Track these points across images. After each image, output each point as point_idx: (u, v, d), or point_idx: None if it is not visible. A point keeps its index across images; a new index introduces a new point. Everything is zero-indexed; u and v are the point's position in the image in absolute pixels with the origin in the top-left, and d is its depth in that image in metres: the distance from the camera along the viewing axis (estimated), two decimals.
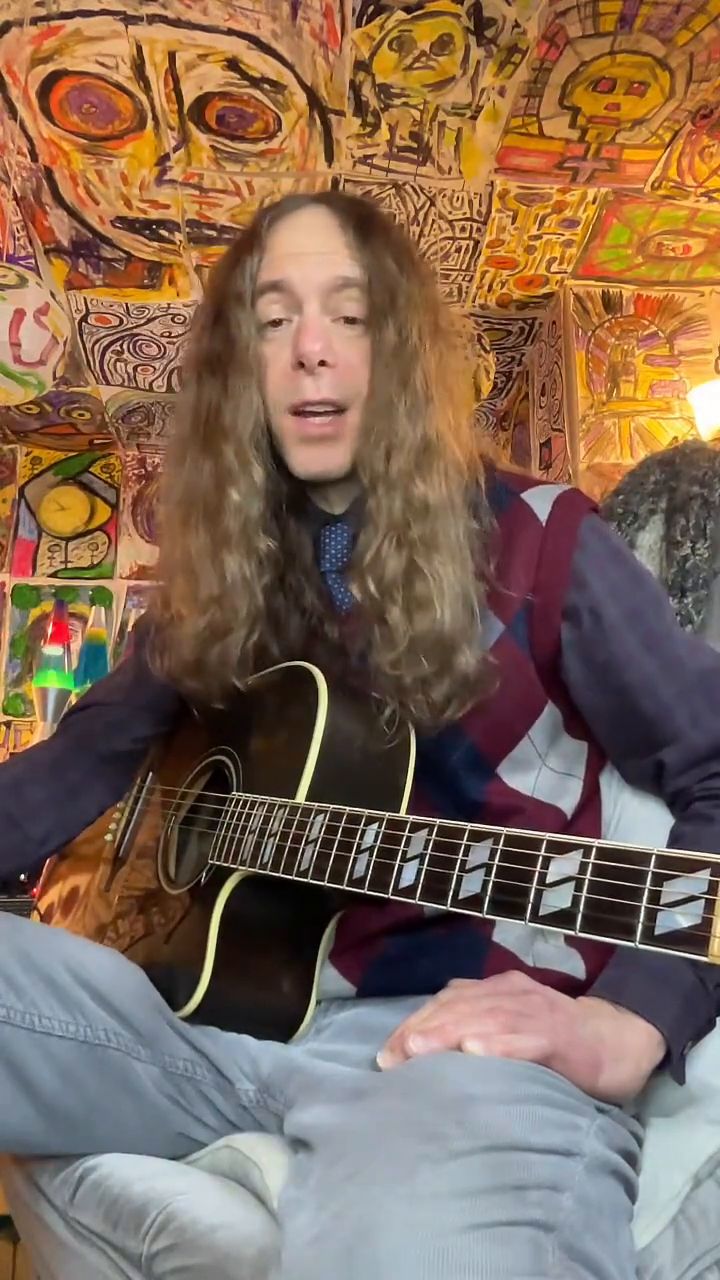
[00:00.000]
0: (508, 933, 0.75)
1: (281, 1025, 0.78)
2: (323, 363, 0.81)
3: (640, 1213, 0.62)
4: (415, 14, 1.90)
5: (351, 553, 0.83)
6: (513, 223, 2.58)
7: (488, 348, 3.12)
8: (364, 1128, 0.55)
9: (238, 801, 0.78)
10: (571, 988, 0.75)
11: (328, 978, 0.79)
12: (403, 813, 0.71)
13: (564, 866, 0.51)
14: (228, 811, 0.79)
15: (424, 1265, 0.44)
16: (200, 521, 0.85)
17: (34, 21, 1.91)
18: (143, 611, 1.04)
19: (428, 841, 0.59)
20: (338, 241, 0.84)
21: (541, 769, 0.83)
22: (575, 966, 0.76)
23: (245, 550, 0.84)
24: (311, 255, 0.84)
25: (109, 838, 1.05)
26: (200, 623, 0.84)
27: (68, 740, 1.02)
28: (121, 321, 3.03)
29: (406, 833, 0.60)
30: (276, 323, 0.84)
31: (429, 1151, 0.50)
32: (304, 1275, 0.47)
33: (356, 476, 0.84)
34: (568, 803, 0.84)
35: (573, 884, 0.50)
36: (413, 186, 2.43)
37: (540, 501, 0.85)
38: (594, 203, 2.50)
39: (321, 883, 0.65)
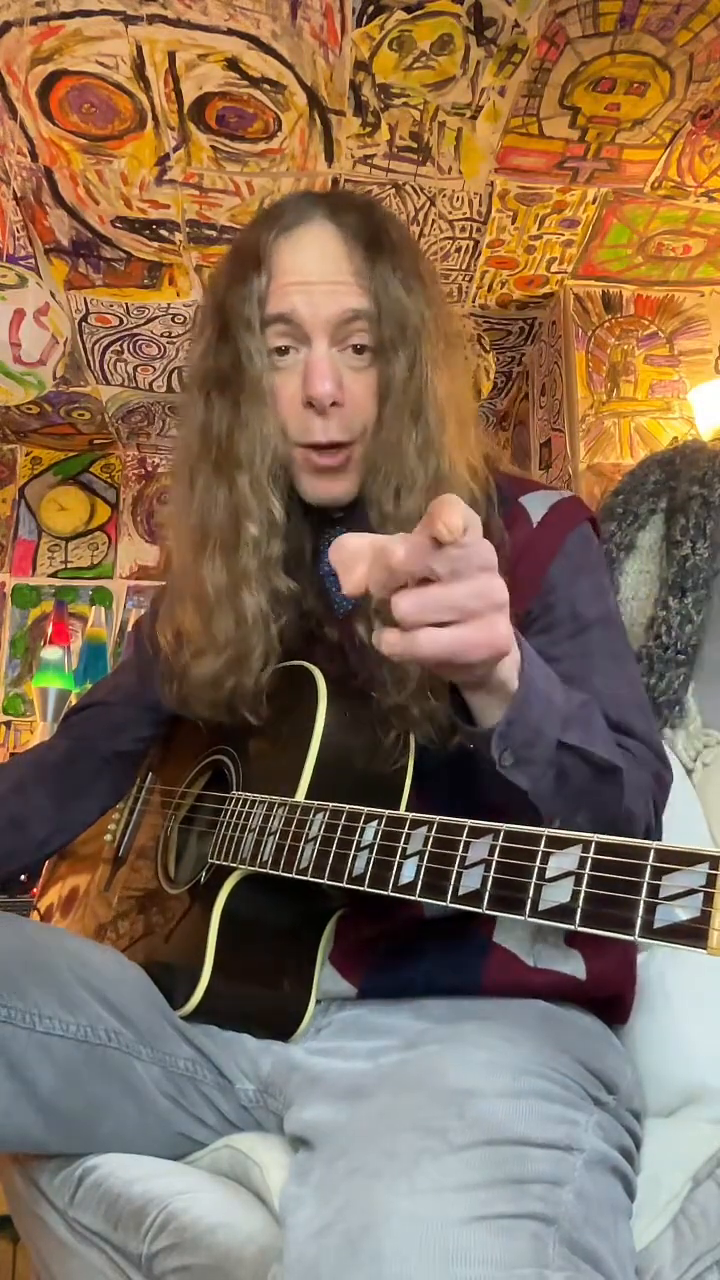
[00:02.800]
0: (508, 933, 0.75)
1: (281, 1024, 0.78)
2: (334, 403, 0.80)
3: (640, 1213, 0.62)
4: (415, 14, 1.90)
5: None
6: (513, 223, 2.58)
7: (488, 348, 3.12)
8: (364, 1123, 0.55)
9: (237, 800, 0.78)
10: (572, 988, 0.75)
11: (328, 978, 0.79)
12: (402, 811, 0.71)
13: (563, 861, 0.51)
14: (227, 810, 0.79)
15: (426, 1258, 0.44)
16: (216, 554, 0.82)
17: (34, 21, 1.91)
18: (143, 611, 1.03)
19: (427, 838, 0.59)
20: (345, 269, 0.80)
21: None
22: (576, 967, 0.76)
23: (265, 590, 0.82)
24: (319, 285, 0.80)
25: (109, 838, 1.04)
26: (217, 664, 0.82)
27: (69, 741, 1.02)
28: (121, 321, 3.03)
29: (406, 829, 0.60)
30: (284, 350, 0.82)
31: (430, 1146, 0.50)
32: (307, 1269, 0.47)
33: (361, 497, 0.83)
34: None
35: (572, 879, 0.50)
36: (413, 186, 2.43)
37: (536, 505, 0.85)
38: (594, 203, 2.50)
39: (321, 880, 0.65)
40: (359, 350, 0.81)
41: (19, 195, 2.43)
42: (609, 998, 0.78)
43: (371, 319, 0.80)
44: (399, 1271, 0.44)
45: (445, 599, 0.54)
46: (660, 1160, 0.69)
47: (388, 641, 0.55)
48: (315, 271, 0.80)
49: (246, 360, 0.82)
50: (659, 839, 0.76)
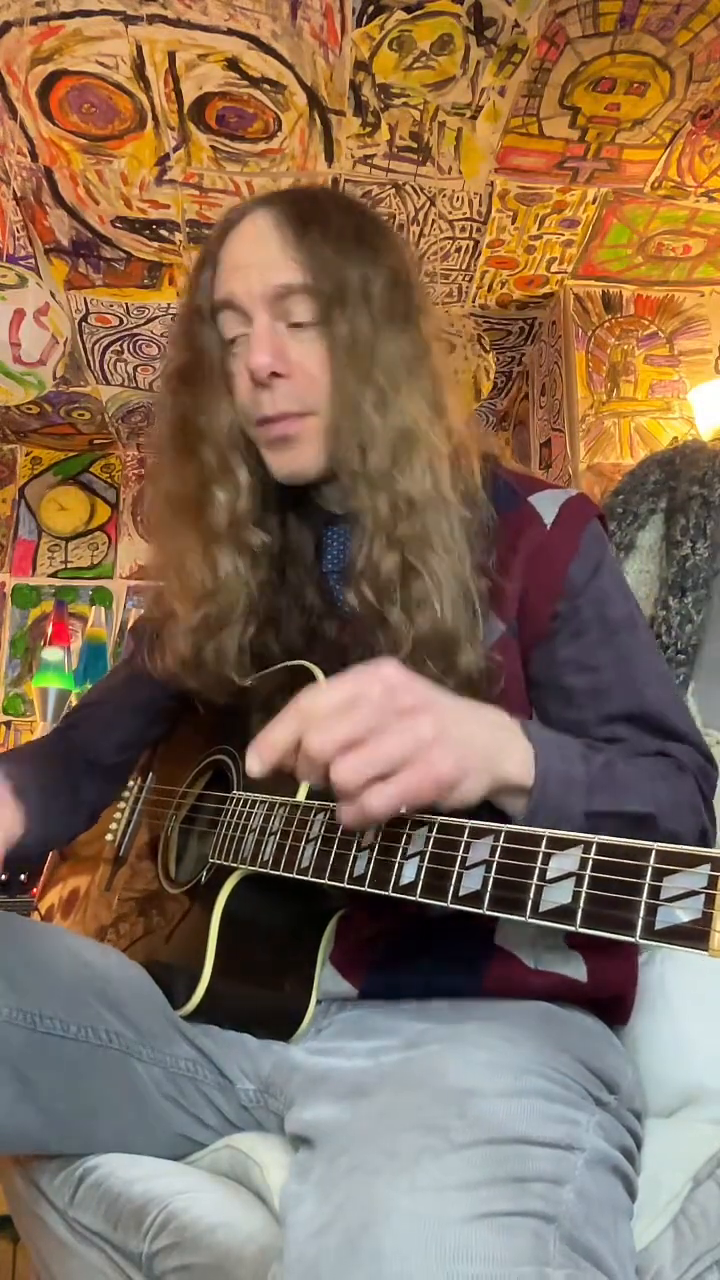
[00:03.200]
0: (509, 935, 0.75)
1: (282, 1024, 0.78)
2: (276, 374, 0.80)
3: (640, 1213, 0.62)
4: (415, 14, 1.90)
5: (350, 551, 0.83)
6: (513, 223, 2.58)
7: (488, 348, 3.12)
8: (365, 1122, 0.55)
9: (238, 800, 0.78)
10: (573, 990, 0.75)
11: (328, 978, 0.79)
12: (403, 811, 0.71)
13: (564, 862, 0.51)
14: (228, 810, 0.79)
15: (426, 1255, 0.44)
16: (188, 522, 0.85)
17: (34, 21, 1.91)
18: (142, 611, 1.03)
19: (428, 839, 0.59)
20: (275, 247, 0.81)
21: None
22: (577, 969, 0.75)
23: (236, 545, 0.84)
24: (252, 267, 0.82)
25: (109, 838, 1.04)
26: (194, 618, 0.84)
27: (60, 742, 1.01)
28: (121, 321, 3.03)
29: (407, 830, 0.60)
30: (235, 340, 0.84)
31: (431, 1144, 0.50)
32: (307, 1267, 0.47)
33: (344, 479, 0.84)
34: None
35: (573, 880, 0.50)
36: (413, 186, 2.43)
37: (547, 505, 0.84)
38: (594, 203, 2.50)
39: (322, 880, 0.65)
40: (301, 325, 0.82)
41: (19, 195, 2.43)
42: (610, 999, 0.78)
43: (308, 290, 0.81)
44: (399, 1269, 0.44)
45: (376, 755, 0.55)
46: (660, 1160, 0.69)
47: (346, 815, 0.57)
48: (248, 254, 0.83)
49: (203, 351, 0.85)
50: (714, 834, 0.77)
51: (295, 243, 0.81)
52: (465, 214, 2.54)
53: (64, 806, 0.94)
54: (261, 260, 0.82)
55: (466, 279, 2.84)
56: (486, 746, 0.61)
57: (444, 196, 2.47)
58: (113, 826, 1.05)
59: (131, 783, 1.06)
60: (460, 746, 0.58)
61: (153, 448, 0.92)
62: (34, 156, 2.29)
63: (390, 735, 0.56)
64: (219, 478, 0.84)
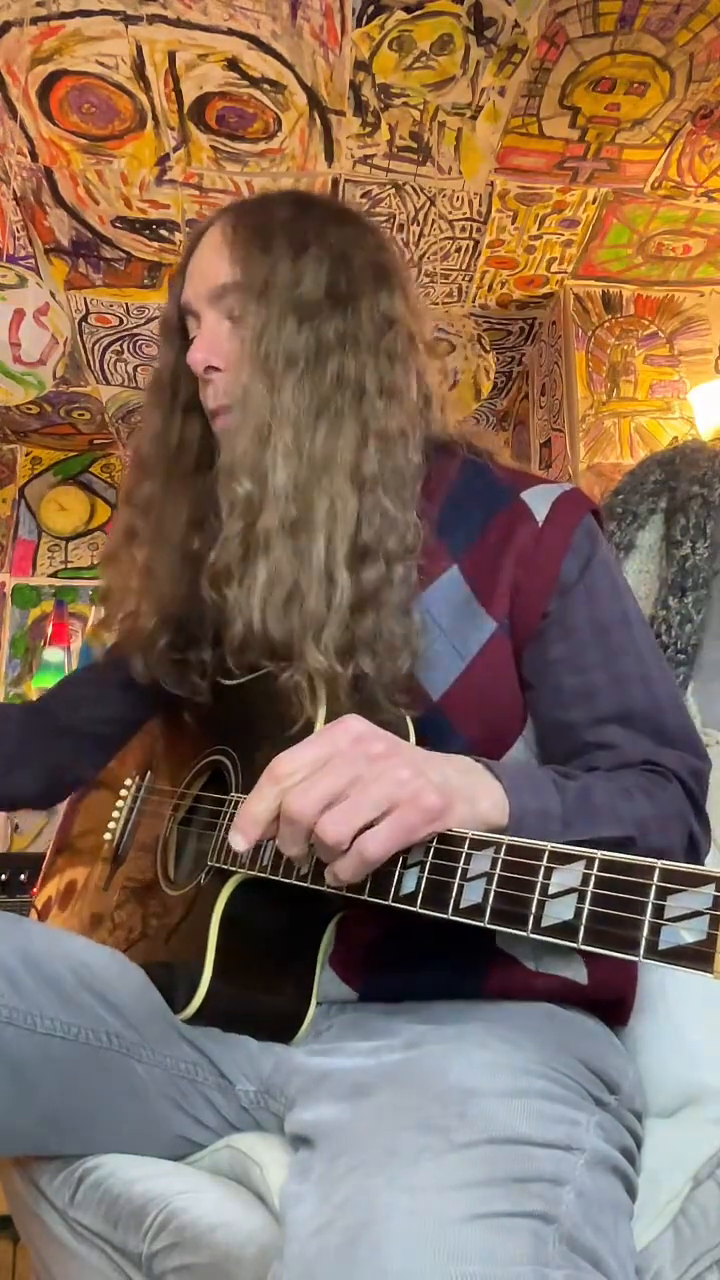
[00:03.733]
0: (509, 937, 0.75)
1: (282, 1026, 0.78)
2: (212, 368, 0.84)
3: (640, 1213, 0.62)
4: (415, 14, 1.90)
5: None
6: (513, 223, 2.58)
7: (488, 348, 3.12)
8: (365, 1122, 0.55)
9: (236, 802, 0.78)
10: (574, 992, 0.75)
11: (328, 981, 0.79)
12: None
13: (567, 877, 0.51)
14: (226, 813, 0.79)
15: (425, 1255, 0.44)
16: (148, 536, 0.89)
17: (34, 21, 1.91)
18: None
19: (428, 849, 0.59)
20: (220, 252, 0.85)
21: None
22: (578, 972, 0.75)
23: (180, 499, 0.89)
24: (200, 272, 0.87)
25: (108, 837, 1.04)
26: (156, 621, 0.87)
27: (24, 709, 1.03)
28: (121, 321, 3.03)
29: None
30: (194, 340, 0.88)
31: (430, 1143, 0.50)
32: (306, 1266, 0.47)
33: None
34: None
35: (575, 895, 0.50)
36: (413, 186, 2.43)
37: (539, 502, 0.84)
38: (594, 203, 2.50)
39: (321, 888, 0.65)
40: (235, 320, 0.85)
41: (19, 195, 2.43)
42: (610, 1000, 0.78)
43: (239, 286, 0.84)
44: (398, 1269, 0.44)
45: (360, 805, 0.56)
46: (660, 1160, 0.69)
47: (342, 869, 0.57)
48: (200, 260, 0.88)
49: (174, 359, 0.90)
50: (707, 839, 0.77)
51: (234, 243, 0.85)
52: (465, 214, 2.54)
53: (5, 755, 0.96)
54: (209, 264, 0.86)
55: (466, 279, 2.84)
56: (460, 788, 0.62)
57: (444, 196, 2.47)
58: (111, 825, 1.05)
59: (130, 782, 1.06)
60: (439, 780, 0.59)
61: (130, 459, 0.99)
62: (34, 156, 2.29)
63: (370, 783, 0.56)
64: (171, 441, 0.90)
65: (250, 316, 0.82)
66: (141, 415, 0.95)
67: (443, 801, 0.58)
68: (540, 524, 0.82)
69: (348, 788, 0.56)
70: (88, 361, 3.25)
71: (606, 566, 0.84)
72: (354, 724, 0.60)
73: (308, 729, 0.75)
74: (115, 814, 1.06)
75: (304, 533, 0.77)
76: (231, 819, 0.77)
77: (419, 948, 0.75)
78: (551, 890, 0.51)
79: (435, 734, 0.76)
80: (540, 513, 0.83)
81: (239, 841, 0.58)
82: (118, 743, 1.05)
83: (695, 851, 0.75)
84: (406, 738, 0.75)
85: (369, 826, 0.56)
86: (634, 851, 0.67)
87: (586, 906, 0.49)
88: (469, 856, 0.56)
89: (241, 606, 0.77)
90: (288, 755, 0.59)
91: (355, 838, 0.56)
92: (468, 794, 0.62)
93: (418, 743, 0.77)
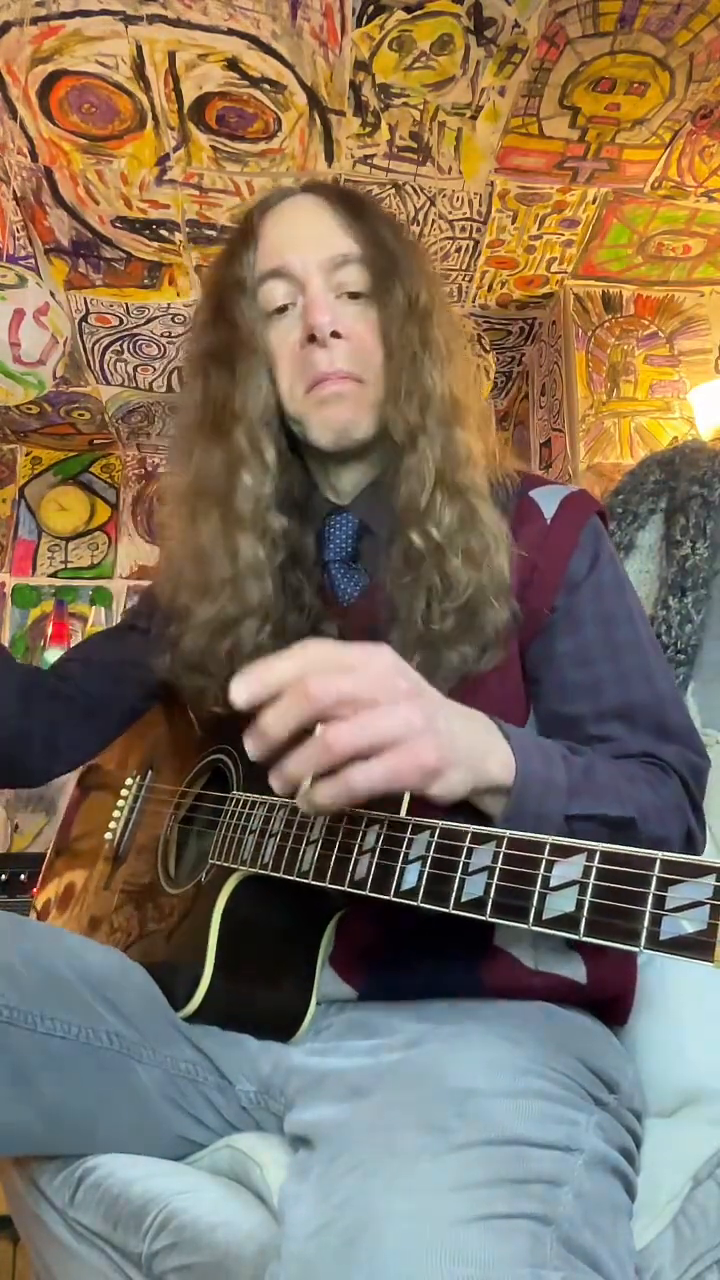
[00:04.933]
0: (508, 936, 0.75)
1: (282, 1026, 0.78)
2: (335, 334, 0.82)
3: (640, 1213, 0.62)
4: (415, 14, 1.90)
5: (399, 505, 0.81)
6: (513, 223, 2.58)
7: (488, 348, 3.12)
8: (364, 1122, 0.55)
9: (238, 801, 0.78)
10: (573, 991, 0.75)
11: (328, 980, 0.79)
12: (404, 813, 0.71)
13: (568, 870, 0.51)
14: (228, 811, 0.79)
15: (424, 1256, 0.44)
16: (211, 507, 0.84)
17: (34, 21, 1.91)
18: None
19: (429, 844, 0.59)
20: (330, 222, 0.85)
21: None
22: (577, 970, 0.76)
23: (258, 532, 0.84)
24: (307, 239, 0.85)
25: (108, 836, 1.05)
26: (210, 610, 0.83)
27: (22, 666, 0.99)
28: (121, 321, 3.02)
29: (408, 834, 0.60)
30: (282, 309, 0.85)
31: (429, 1144, 0.50)
32: (305, 1266, 0.47)
33: (374, 458, 0.86)
34: None
35: (576, 888, 0.50)
36: (413, 186, 2.43)
37: (548, 501, 0.85)
38: (594, 203, 2.50)
39: (323, 884, 0.65)
40: (355, 296, 0.84)
41: (19, 195, 2.43)
42: (609, 999, 0.78)
43: (362, 261, 0.84)
44: (396, 1270, 0.44)
45: (368, 728, 0.54)
46: (660, 1160, 0.69)
47: (321, 794, 0.55)
48: (302, 226, 0.86)
49: (240, 319, 0.85)
50: (703, 835, 0.77)
51: (349, 218, 0.85)
52: (465, 214, 2.54)
53: None
54: (317, 232, 0.85)
55: (466, 279, 2.84)
56: (471, 743, 0.61)
57: (444, 196, 2.47)
58: (112, 825, 1.05)
59: (130, 781, 1.06)
60: (446, 739, 0.58)
61: (175, 437, 0.92)
62: (34, 156, 2.29)
63: (384, 713, 0.55)
64: (247, 459, 0.84)
65: (389, 293, 0.83)
66: (197, 391, 0.88)
67: (440, 764, 0.57)
68: (549, 521, 0.83)
69: (366, 704, 0.55)
70: (88, 361, 3.25)
71: (613, 564, 0.85)
72: (388, 653, 0.59)
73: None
74: (116, 814, 1.06)
75: (487, 498, 0.81)
76: (233, 819, 0.77)
77: (418, 947, 0.76)
78: (553, 883, 0.51)
79: None
80: (549, 511, 0.84)
81: (240, 691, 0.56)
82: (118, 725, 1.03)
83: (692, 847, 0.75)
84: None
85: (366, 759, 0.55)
86: (634, 836, 0.68)
87: (588, 898, 0.49)
88: (470, 851, 0.56)
89: (475, 561, 0.78)
90: (321, 645, 0.58)
91: (349, 765, 0.54)
92: (476, 755, 0.61)
93: None
